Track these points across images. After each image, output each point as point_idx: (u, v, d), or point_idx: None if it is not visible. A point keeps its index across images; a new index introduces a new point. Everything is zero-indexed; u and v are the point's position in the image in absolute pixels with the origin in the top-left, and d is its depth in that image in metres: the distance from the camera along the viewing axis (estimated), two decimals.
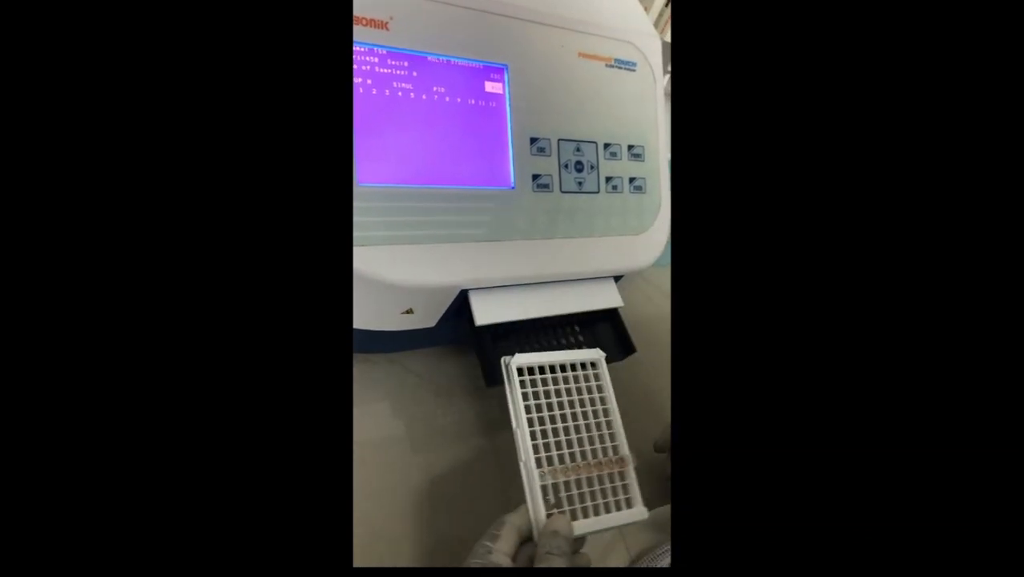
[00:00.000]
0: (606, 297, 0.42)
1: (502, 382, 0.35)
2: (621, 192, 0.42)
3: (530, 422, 0.32)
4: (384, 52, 0.33)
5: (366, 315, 0.36)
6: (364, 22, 0.32)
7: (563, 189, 0.39)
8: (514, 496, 0.45)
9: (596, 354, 0.37)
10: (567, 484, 0.32)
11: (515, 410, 0.33)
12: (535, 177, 0.38)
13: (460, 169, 0.36)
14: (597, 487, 0.33)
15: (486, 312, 0.36)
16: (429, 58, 0.35)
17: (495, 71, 0.37)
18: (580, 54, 0.40)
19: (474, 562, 0.29)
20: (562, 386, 0.35)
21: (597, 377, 0.37)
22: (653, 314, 0.62)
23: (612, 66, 0.42)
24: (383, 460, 0.41)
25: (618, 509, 0.32)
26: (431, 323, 0.39)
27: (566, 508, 0.31)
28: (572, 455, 0.33)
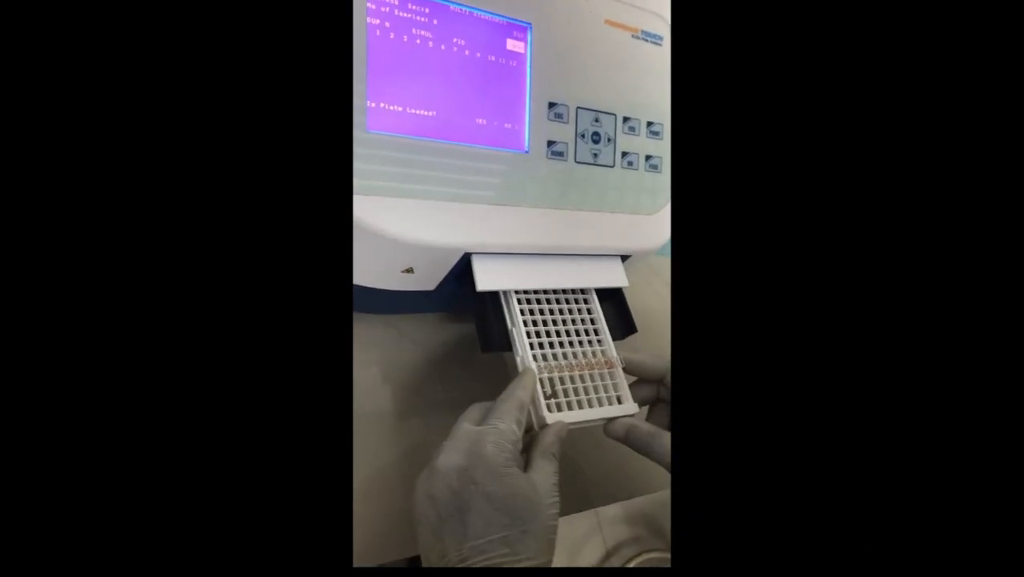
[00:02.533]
0: (611, 275, 0.41)
1: (499, 348, 0.35)
2: (637, 169, 0.41)
3: (525, 323, 0.35)
4: None
5: (364, 271, 0.35)
6: None
7: (578, 159, 0.38)
8: None
9: (588, 285, 0.39)
10: (561, 379, 0.34)
11: (511, 317, 0.35)
12: (550, 143, 0.37)
13: (474, 127, 0.34)
14: (590, 383, 0.35)
15: (488, 278, 0.35)
16: (452, 7, 0.33)
17: (518, 28, 0.36)
18: (607, 21, 0.39)
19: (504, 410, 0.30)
20: (555, 307, 0.38)
21: (587, 302, 0.39)
22: (653, 300, 0.61)
23: (638, 37, 0.40)
24: (370, 424, 0.40)
25: (610, 404, 0.35)
26: (431, 286, 0.38)
27: (562, 399, 0.33)
28: (565, 355, 0.36)
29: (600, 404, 0.35)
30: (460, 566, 0.26)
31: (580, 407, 0.34)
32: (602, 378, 0.36)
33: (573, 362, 0.35)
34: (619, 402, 0.35)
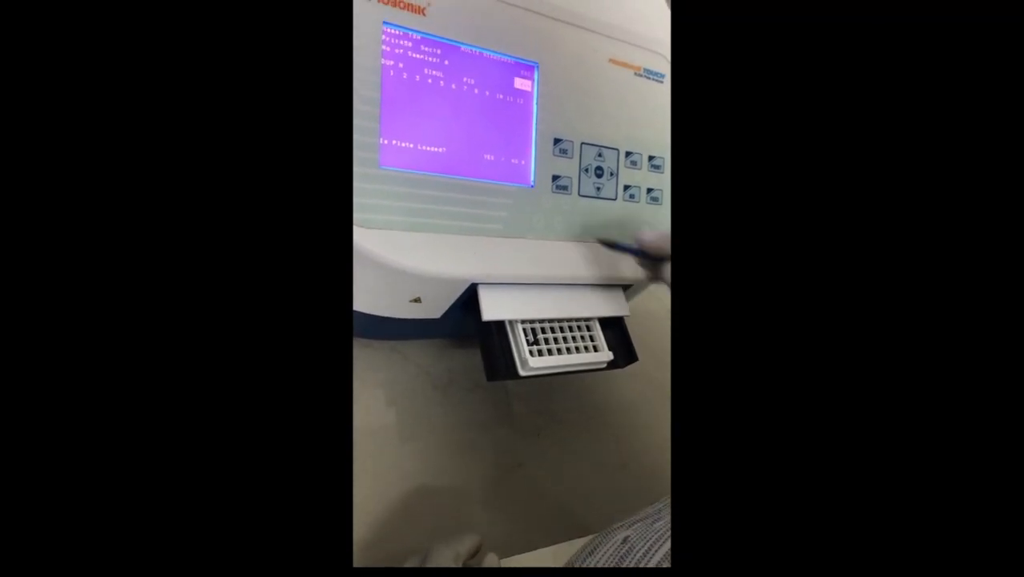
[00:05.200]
0: (613, 305, 0.42)
1: (504, 376, 0.36)
2: (638, 201, 0.42)
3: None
4: (419, 38, 0.33)
5: (374, 299, 0.36)
6: (402, 5, 0.32)
7: (581, 193, 0.39)
8: (498, 494, 0.45)
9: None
10: (543, 328, 0.38)
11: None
12: (555, 178, 0.38)
13: (482, 162, 0.36)
14: (568, 333, 0.39)
15: (494, 308, 0.36)
16: (462, 48, 0.35)
17: (526, 68, 0.37)
18: (611, 60, 0.40)
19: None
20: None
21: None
22: (654, 328, 0.62)
23: (641, 75, 0.42)
24: (372, 447, 0.41)
25: (587, 352, 0.39)
26: (437, 314, 0.39)
27: (543, 346, 0.37)
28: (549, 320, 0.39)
29: (578, 351, 0.38)
30: None
31: (560, 353, 0.37)
32: (580, 329, 0.40)
33: (556, 321, 0.39)
34: (595, 350, 0.39)
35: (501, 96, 0.36)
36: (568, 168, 0.39)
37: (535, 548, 0.42)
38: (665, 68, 0.43)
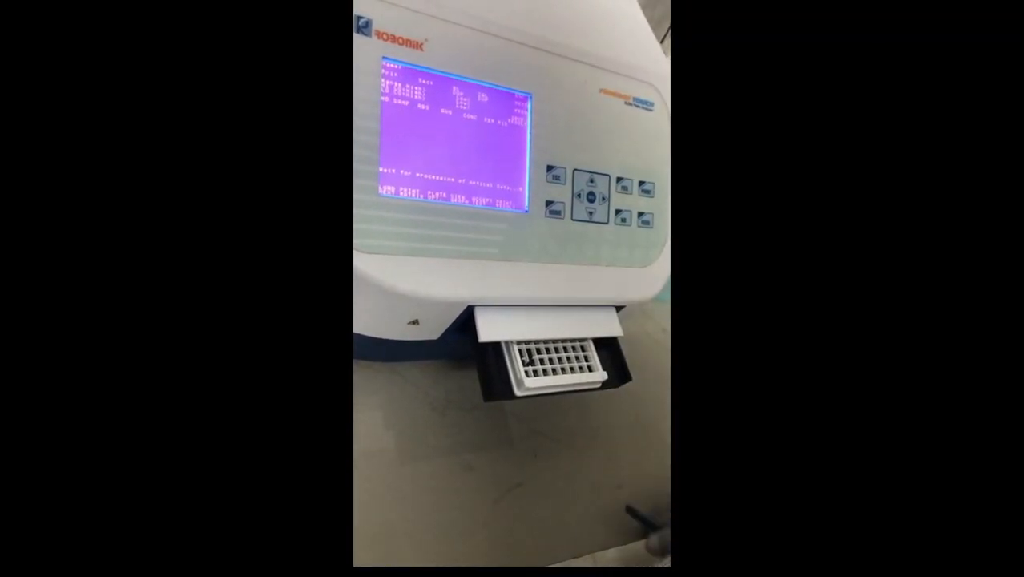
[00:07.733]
0: (607, 325, 0.43)
1: (500, 396, 0.36)
2: (629, 225, 0.43)
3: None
4: (417, 71, 0.35)
5: (372, 322, 0.37)
6: (401, 41, 0.34)
7: (574, 217, 0.40)
8: (497, 514, 0.45)
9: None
10: (539, 349, 0.39)
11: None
12: (548, 203, 0.39)
13: (478, 189, 0.37)
14: (564, 354, 0.40)
15: (490, 329, 0.37)
16: (459, 80, 0.36)
17: (520, 99, 0.39)
18: (602, 90, 0.42)
19: None
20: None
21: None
22: (649, 347, 0.63)
23: (631, 104, 0.44)
24: (370, 469, 0.42)
25: (582, 372, 0.40)
26: (435, 336, 0.40)
27: (539, 367, 0.38)
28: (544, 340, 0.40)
29: (572, 372, 0.39)
30: None
31: (555, 373, 0.38)
32: (575, 350, 0.41)
33: (551, 341, 0.40)
34: (590, 370, 0.40)
35: (496, 125, 0.38)
36: (561, 194, 0.40)
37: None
38: (654, 97, 0.45)
